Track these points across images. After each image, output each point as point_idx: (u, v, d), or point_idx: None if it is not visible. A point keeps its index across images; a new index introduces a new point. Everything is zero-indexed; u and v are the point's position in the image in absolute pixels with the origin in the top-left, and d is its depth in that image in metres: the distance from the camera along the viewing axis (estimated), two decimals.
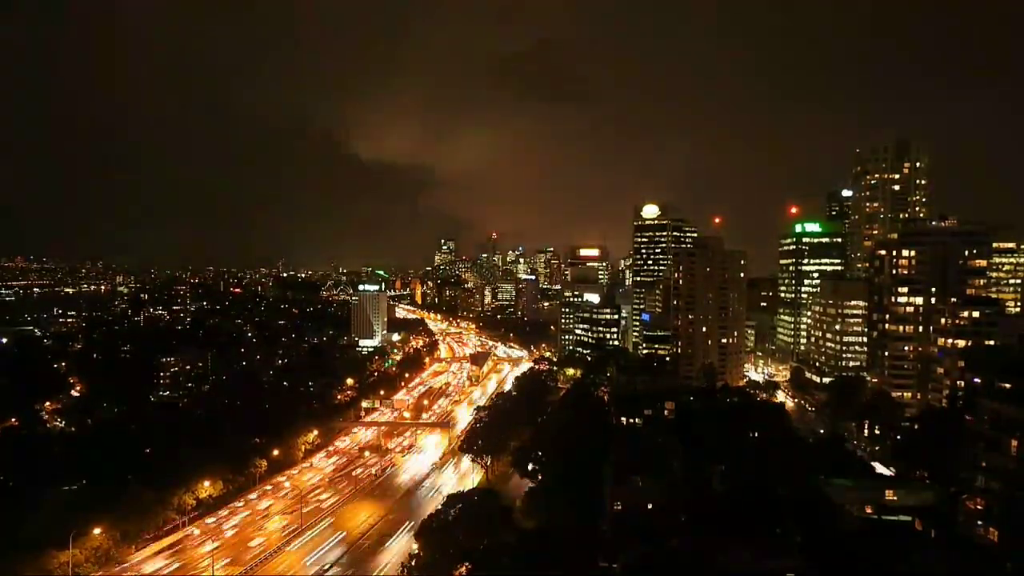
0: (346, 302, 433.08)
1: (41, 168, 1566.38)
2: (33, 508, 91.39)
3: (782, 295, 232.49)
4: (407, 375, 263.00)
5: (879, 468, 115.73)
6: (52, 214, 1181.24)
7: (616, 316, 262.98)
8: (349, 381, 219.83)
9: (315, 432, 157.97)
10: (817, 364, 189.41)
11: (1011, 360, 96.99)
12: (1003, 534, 74.51)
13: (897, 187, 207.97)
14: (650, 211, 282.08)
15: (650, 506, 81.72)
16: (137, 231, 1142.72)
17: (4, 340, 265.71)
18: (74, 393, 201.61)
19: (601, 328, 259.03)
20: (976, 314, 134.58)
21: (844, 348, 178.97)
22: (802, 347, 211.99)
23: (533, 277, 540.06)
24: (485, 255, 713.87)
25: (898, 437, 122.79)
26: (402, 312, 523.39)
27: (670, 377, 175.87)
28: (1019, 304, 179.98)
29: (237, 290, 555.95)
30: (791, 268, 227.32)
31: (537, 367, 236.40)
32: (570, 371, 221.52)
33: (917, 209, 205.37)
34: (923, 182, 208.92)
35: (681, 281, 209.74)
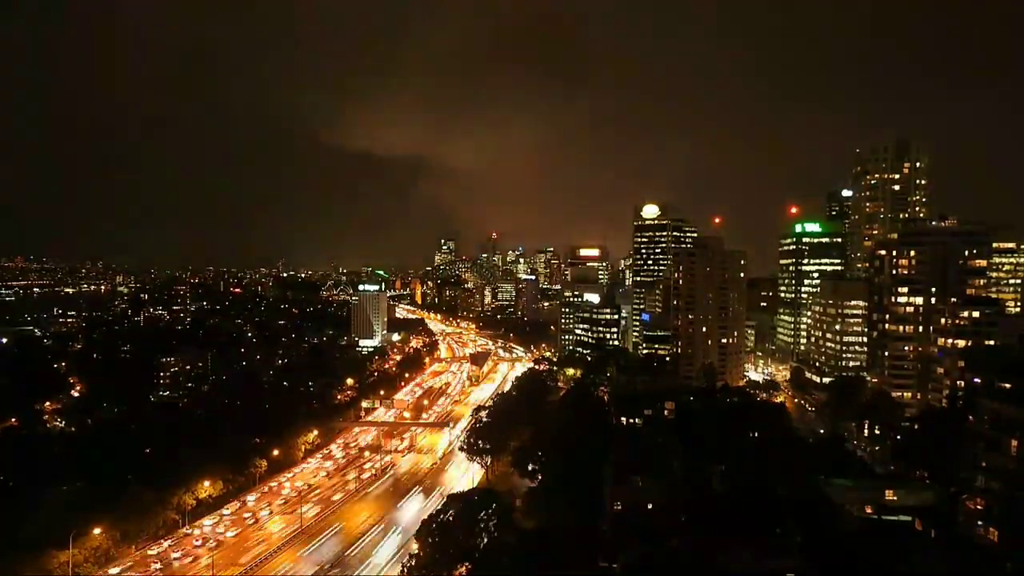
0: (346, 302, 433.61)
1: (41, 168, 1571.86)
2: (33, 508, 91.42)
3: (782, 295, 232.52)
4: (407, 375, 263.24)
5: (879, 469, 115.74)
6: (52, 214, 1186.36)
7: (616, 316, 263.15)
8: (349, 381, 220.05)
9: (315, 432, 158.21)
10: (817, 364, 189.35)
11: (1011, 360, 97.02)
12: (1003, 534, 74.39)
13: (897, 187, 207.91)
14: (650, 211, 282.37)
15: (650, 506, 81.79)
16: (137, 231, 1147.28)
17: (4, 340, 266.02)
18: (74, 393, 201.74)
19: (601, 328, 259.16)
20: (976, 314, 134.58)
21: (844, 348, 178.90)
22: (802, 347, 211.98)
23: (533, 277, 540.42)
24: (485, 255, 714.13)
25: (898, 437, 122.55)
26: (402, 312, 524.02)
27: (670, 377, 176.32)
28: (1019, 304, 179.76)
29: (237, 290, 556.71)
30: (791, 268, 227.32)
31: (537, 367, 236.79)
32: (570, 371, 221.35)
33: (917, 209, 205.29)
34: (923, 182, 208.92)
35: (681, 281, 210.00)
